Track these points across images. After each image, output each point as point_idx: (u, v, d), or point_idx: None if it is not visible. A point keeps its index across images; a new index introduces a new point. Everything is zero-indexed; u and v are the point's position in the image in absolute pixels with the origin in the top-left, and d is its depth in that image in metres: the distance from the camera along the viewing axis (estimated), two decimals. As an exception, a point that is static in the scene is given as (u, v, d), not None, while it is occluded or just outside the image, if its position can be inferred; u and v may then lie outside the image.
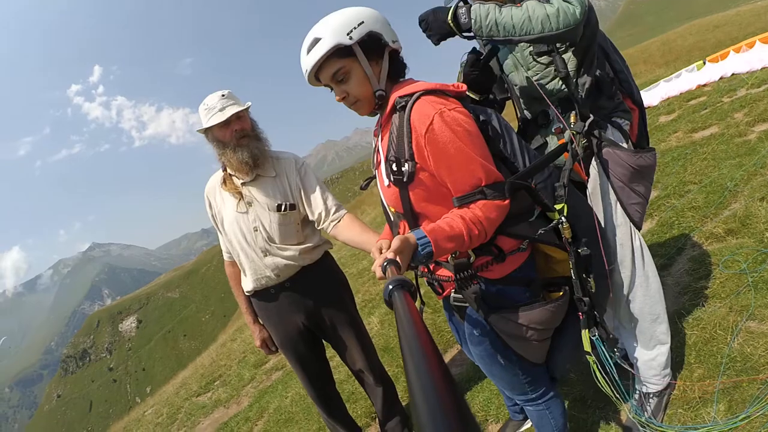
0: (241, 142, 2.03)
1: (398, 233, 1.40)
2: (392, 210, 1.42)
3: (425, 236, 1.11)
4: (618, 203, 1.62)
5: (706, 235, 2.86)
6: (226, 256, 2.31)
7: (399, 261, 1.01)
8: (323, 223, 2.12)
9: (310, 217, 2.15)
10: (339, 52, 1.25)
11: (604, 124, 1.64)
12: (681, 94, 7.01)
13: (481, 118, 1.30)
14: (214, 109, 2.00)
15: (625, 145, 1.64)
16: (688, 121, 5.37)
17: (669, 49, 16.96)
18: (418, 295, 1.43)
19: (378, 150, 1.42)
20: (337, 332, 2.28)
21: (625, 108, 1.70)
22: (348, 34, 1.24)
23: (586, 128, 1.53)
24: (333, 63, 1.28)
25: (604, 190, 1.67)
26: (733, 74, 6.68)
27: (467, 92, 1.57)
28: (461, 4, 1.47)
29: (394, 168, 1.27)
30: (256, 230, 2.11)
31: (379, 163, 1.42)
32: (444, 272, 1.37)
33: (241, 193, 2.11)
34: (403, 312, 0.70)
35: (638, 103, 1.75)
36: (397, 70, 1.37)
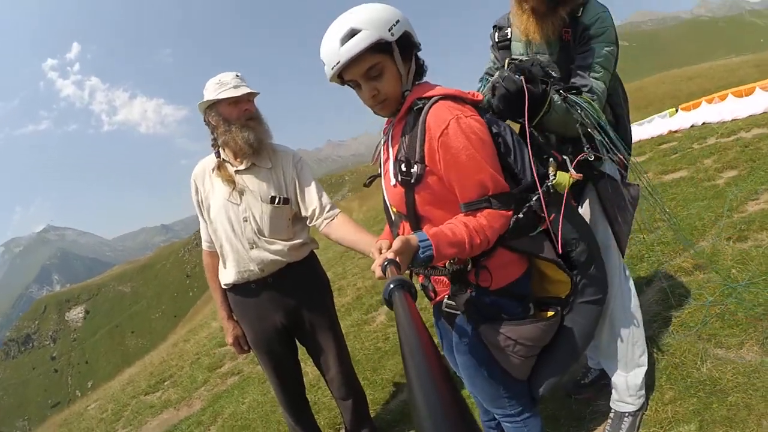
0: (249, 124, 1.98)
1: (398, 233, 1.39)
2: (394, 210, 1.40)
3: (427, 239, 1.11)
4: (610, 230, 1.71)
5: (675, 269, 2.97)
6: (205, 245, 2.20)
7: (399, 262, 1.00)
8: (316, 219, 2.06)
9: (303, 213, 2.09)
10: (378, 47, 1.21)
11: (604, 159, 1.71)
12: (652, 138, 7.35)
13: (494, 130, 1.30)
14: (227, 85, 1.94)
15: (618, 176, 1.75)
16: (659, 163, 5.62)
17: (643, 95, 17.84)
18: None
19: (387, 148, 1.40)
20: (316, 335, 2.20)
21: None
22: (390, 30, 1.20)
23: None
24: (369, 58, 1.22)
25: (596, 218, 1.74)
26: (704, 123, 7.07)
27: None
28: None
29: (403, 168, 1.26)
30: (246, 221, 2.02)
31: (386, 162, 1.40)
32: (439, 278, 1.36)
33: (234, 182, 2.02)
34: (403, 312, 0.69)
35: (628, 142, 1.85)
36: (420, 72, 1.36)
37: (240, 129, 1.95)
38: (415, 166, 1.25)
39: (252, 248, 2.02)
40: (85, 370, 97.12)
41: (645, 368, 1.85)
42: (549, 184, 1.27)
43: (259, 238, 2.02)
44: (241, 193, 2.02)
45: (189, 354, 5.87)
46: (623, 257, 1.76)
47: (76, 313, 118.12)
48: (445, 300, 1.34)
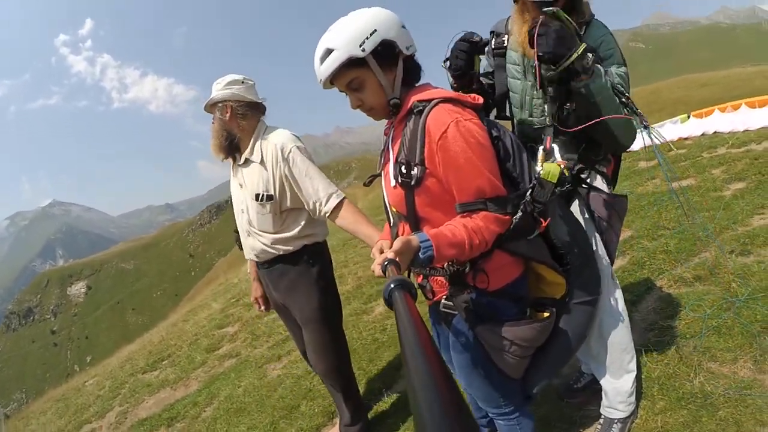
0: (211, 131, 2.16)
1: (397, 233, 1.41)
2: (394, 210, 1.42)
3: (428, 240, 1.13)
4: (600, 240, 1.75)
5: (675, 279, 2.96)
6: None
7: (399, 262, 1.02)
8: (318, 213, 2.12)
9: (306, 207, 2.14)
10: (352, 62, 1.26)
11: (592, 172, 1.82)
12: (662, 143, 7.28)
13: (494, 134, 1.32)
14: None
15: (606, 188, 1.82)
16: (667, 170, 5.55)
17: (657, 99, 17.66)
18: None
19: (388, 149, 1.42)
20: (304, 326, 2.29)
21: (607, 158, 1.87)
22: (361, 46, 1.23)
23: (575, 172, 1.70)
24: (347, 73, 1.29)
25: (585, 228, 1.76)
26: (715, 132, 6.98)
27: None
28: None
29: (404, 170, 1.28)
30: (243, 212, 2.20)
31: (386, 163, 1.42)
32: (437, 278, 1.38)
33: (236, 174, 2.22)
34: (404, 312, 0.69)
35: (617, 155, 1.93)
36: (412, 75, 1.37)
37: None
38: (415, 169, 1.26)
39: (248, 236, 2.21)
40: (84, 345, 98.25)
41: (634, 374, 1.87)
42: (537, 175, 1.26)
43: (250, 228, 2.18)
44: (241, 186, 2.19)
45: (188, 334, 5.93)
46: (612, 265, 1.81)
47: (78, 289, 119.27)
48: (443, 300, 1.36)
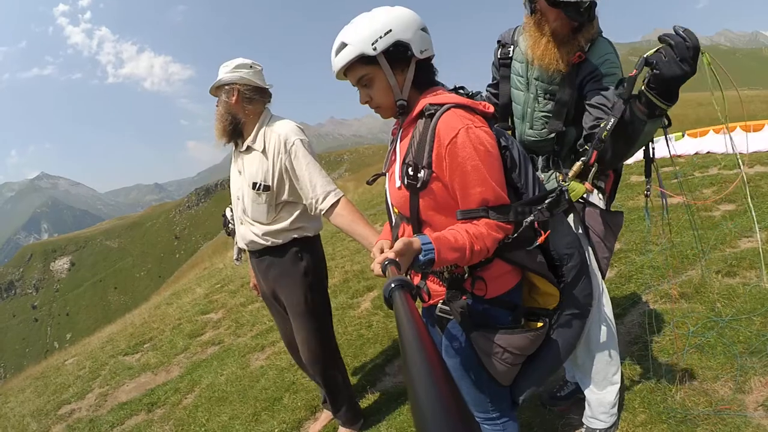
0: (215, 114, 2.12)
1: (398, 234, 1.42)
2: (396, 211, 1.43)
3: (430, 243, 1.13)
4: (592, 254, 1.77)
5: (660, 294, 3.01)
6: None
7: (399, 263, 1.02)
8: (314, 210, 2.10)
9: (304, 201, 2.13)
10: (363, 59, 1.28)
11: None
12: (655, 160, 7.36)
13: (502, 143, 1.32)
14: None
15: (602, 204, 1.82)
16: (658, 186, 5.61)
17: (652, 115, 17.75)
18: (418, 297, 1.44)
19: (395, 150, 1.42)
20: (292, 318, 2.29)
21: (605, 173, 1.85)
22: (373, 44, 1.25)
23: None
24: (358, 69, 1.31)
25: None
26: (708, 152, 7.07)
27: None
28: None
29: (410, 172, 1.28)
30: (239, 199, 2.19)
31: (392, 163, 1.42)
32: (434, 281, 1.39)
33: (235, 161, 2.21)
34: (404, 312, 0.69)
35: (618, 171, 1.93)
36: (425, 79, 1.37)
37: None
38: (422, 171, 1.26)
39: (241, 224, 2.21)
40: (65, 321, 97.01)
41: (618, 386, 1.91)
42: (564, 188, 1.29)
43: (244, 216, 2.18)
44: (240, 173, 2.17)
45: (171, 318, 5.89)
46: (603, 278, 1.84)
47: (61, 264, 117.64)
48: (439, 305, 1.37)
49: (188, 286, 8.73)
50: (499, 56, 1.87)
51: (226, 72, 2.07)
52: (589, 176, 1.47)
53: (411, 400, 0.44)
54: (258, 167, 2.08)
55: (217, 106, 2.10)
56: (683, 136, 8.42)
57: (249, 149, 2.11)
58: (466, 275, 1.33)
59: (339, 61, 1.29)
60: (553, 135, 1.77)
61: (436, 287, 1.39)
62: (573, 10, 1.51)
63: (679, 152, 7.44)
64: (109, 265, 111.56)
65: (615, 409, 1.93)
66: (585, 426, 1.98)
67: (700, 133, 8.18)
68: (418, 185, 1.27)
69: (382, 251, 1.20)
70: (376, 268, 1.02)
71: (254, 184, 2.07)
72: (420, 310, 1.60)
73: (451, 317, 1.35)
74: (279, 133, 2.06)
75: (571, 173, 1.47)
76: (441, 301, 1.37)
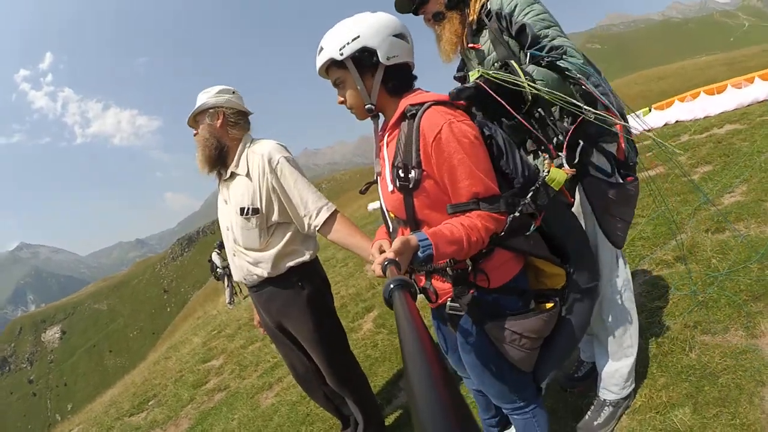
0: (197, 141, 2.05)
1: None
2: (392, 216, 1.43)
3: (427, 238, 1.13)
4: (597, 225, 1.68)
5: (656, 262, 3.03)
6: None
7: (399, 262, 1.02)
8: (307, 227, 2.02)
9: (294, 221, 2.04)
10: (335, 63, 1.34)
11: (591, 150, 1.63)
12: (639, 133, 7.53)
13: (486, 133, 1.33)
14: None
15: (609, 169, 1.65)
16: (646, 156, 5.72)
17: (617, 96, 18.24)
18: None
19: (383, 155, 1.42)
20: (305, 345, 2.21)
21: (611, 132, 1.65)
22: (340, 50, 1.31)
23: (576, 160, 1.51)
24: (332, 72, 1.38)
25: (586, 212, 1.75)
26: (677, 121, 7.27)
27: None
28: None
29: (401, 174, 1.29)
30: (228, 229, 2.10)
31: (382, 168, 1.43)
32: (441, 280, 1.38)
33: (221, 191, 2.14)
34: (404, 312, 0.69)
35: (622, 115, 1.64)
36: (399, 85, 1.38)
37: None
38: (413, 171, 1.27)
39: (234, 255, 2.11)
40: (64, 392, 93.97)
41: (633, 359, 1.88)
42: (542, 179, 1.29)
43: (236, 247, 2.08)
44: (226, 202, 2.10)
45: (172, 371, 5.75)
46: (619, 248, 1.74)
47: (52, 334, 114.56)
48: (448, 303, 1.36)
49: (185, 337, 8.55)
50: (456, 72, 1.92)
51: (209, 97, 2.02)
52: (568, 158, 1.39)
53: (410, 400, 0.44)
54: (244, 191, 2.00)
55: (195, 135, 2.04)
56: (650, 110, 8.66)
57: (233, 175, 2.05)
58: (470, 268, 1.32)
59: (317, 63, 1.37)
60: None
61: (442, 285, 1.38)
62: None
63: (648, 127, 7.63)
64: (100, 329, 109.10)
65: (629, 383, 1.90)
66: (597, 397, 1.95)
67: (666, 104, 8.42)
68: (411, 185, 1.28)
69: (381, 251, 1.20)
70: (377, 269, 1.02)
71: (242, 210, 1.99)
72: (431, 311, 1.58)
73: (462, 313, 1.35)
74: (262, 153, 1.99)
75: (545, 164, 1.38)
76: (449, 298, 1.36)
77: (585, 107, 1.44)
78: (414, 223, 1.33)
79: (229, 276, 11.65)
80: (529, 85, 1.35)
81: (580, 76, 1.46)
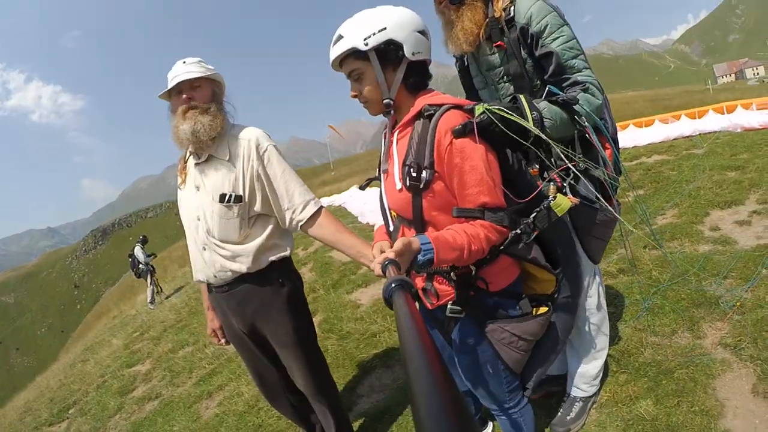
0: (188, 114, 1.78)
1: (397, 238, 1.37)
2: (394, 215, 1.41)
3: (429, 242, 1.13)
4: (577, 241, 1.75)
5: (602, 273, 3.22)
6: None
7: (399, 262, 1.02)
8: (290, 222, 1.88)
9: (276, 214, 1.90)
10: (355, 53, 1.30)
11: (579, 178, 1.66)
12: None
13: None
14: (172, 77, 1.78)
15: (593, 196, 1.67)
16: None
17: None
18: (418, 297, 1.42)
19: (391, 152, 1.40)
20: (280, 349, 2.03)
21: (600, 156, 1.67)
22: (365, 40, 1.26)
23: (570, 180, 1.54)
24: (350, 62, 1.33)
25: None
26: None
27: None
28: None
29: (413, 173, 1.27)
30: (199, 219, 1.87)
31: (390, 166, 1.40)
32: (443, 283, 1.38)
33: (185, 174, 1.92)
34: (404, 312, 0.69)
35: (614, 139, 1.77)
36: (417, 82, 1.37)
37: (180, 120, 1.78)
38: (425, 172, 1.26)
39: (204, 249, 1.88)
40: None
41: (602, 360, 2.01)
42: (548, 203, 1.32)
43: (208, 239, 1.86)
44: (197, 188, 1.88)
45: (92, 376, 5.28)
46: (598, 264, 1.88)
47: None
48: (449, 306, 1.36)
49: (101, 338, 7.90)
50: (458, 69, 1.93)
51: (199, 68, 1.80)
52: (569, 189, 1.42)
53: (411, 399, 0.44)
54: (224, 177, 1.83)
55: (184, 106, 1.79)
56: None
57: (211, 159, 1.86)
58: (474, 272, 1.34)
59: (334, 52, 1.31)
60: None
61: (443, 287, 1.38)
62: None
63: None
64: (7, 324, 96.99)
65: (597, 381, 2.04)
66: (567, 395, 2.07)
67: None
68: (421, 186, 1.27)
69: (382, 251, 1.20)
70: (377, 268, 1.02)
71: (222, 196, 1.81)
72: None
73: (461, 316, 1.36)
74: (249, 139, 1.85)
75: (551, 190, 1.40)
76: (450, 301, 1.37)
77: (578, 157, 1.52)
78: (420, 223, 1.32)
79: (152, 273, 10.68)
80: (532, 127, 1.33)
81: (587, 125, 1.51)
